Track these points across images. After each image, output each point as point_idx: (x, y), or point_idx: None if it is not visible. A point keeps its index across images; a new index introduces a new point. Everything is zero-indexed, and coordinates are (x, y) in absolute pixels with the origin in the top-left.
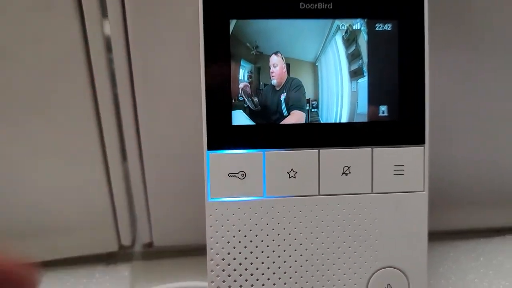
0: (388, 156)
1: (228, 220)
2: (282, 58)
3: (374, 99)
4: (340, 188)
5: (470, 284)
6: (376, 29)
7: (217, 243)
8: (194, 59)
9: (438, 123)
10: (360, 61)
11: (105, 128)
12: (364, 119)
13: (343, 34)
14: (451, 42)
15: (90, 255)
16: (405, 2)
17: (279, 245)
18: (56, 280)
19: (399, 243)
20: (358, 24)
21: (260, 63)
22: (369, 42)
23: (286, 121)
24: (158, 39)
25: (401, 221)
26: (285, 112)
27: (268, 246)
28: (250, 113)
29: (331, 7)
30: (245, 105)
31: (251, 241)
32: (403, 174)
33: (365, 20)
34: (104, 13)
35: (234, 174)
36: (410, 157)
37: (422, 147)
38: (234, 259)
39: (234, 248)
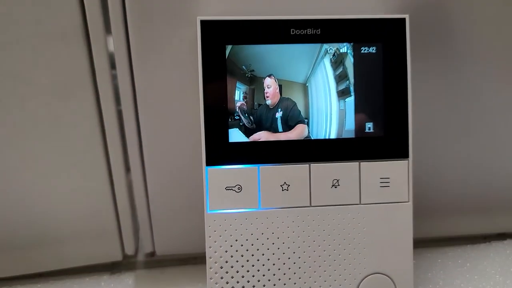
0: (374, 169)
1: (225, 230)
2: (275, 80)
3: (360, 117)
4: (330, 199)
5: None
6: (362, 51)
7: (215, 252)
8: (194, 77)
9: (422, 135)
10: (347, 82)
11: (110, 142)
12: (352, 135)
13: (331, 57)
14: (431, 58)
15: (96, 265)
16: (388, 27)
17: (273, 253)
18: None
19: (386, 251)
20: (344, 48)
21: (254, 84)
22: (355, 64)
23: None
24: (160, 58)
25: (388, 230)
26: (280, 128)
27: (263, 254)
28: (246, 131)
29: (319, 32)
30: (241, 124)
31: (247, 250)
32: (389, 186)
33: (351, 44)
34: (107, 30)
35: (231, 188)
36: (395, 170)
37: (406, 161)
38: (232, 267)
39: (231, 256)
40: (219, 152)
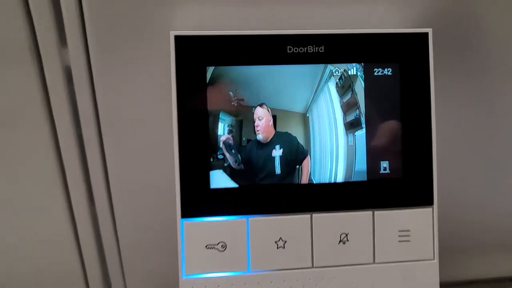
0: (391, 220)
1: None
2: (268, 110)
3: (374, 154)
4: (337, 258)
5: None
6: (375, 74)
7: None
8: (169, 102)
9: (441, 175)
10: (357, 111)
11: (69, 174)
12: (363, 177)
13: (337, 80)
14: (456, 81)
15: None
16: (406, 43)
17: None
18: None
19: None
20: (354, 69)
21: (242, 115)
22: (367, 89)
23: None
24: (127, 79)
25: None
26: (278, 170)
27: None
28: (232, 173)
29: (322, 50)
30: (226, 164)
31: None
32: (409, 241)
33: (362, 64)
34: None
35: (212, 246)
36: (417, 220)
37: (431, 209)
38: None
39: None
40: (198, 200)
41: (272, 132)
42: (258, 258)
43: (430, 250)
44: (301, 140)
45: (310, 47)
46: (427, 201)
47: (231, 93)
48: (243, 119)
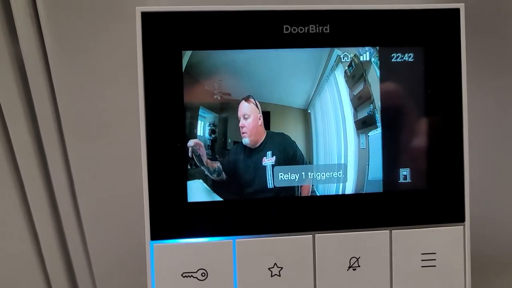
0: (413, 240)
1: None
2: (257, 106)
3: (391, 160)
4: None
5: None
6: (393, 60)
7: None
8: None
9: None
10: (371, 106)
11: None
12: (379, 188)
13: (346, 68)
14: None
15: None
16: (432, 22)
17: None
18: None
19: None
20: (366, 54)
21: (227, 111)
22: (383, 79)
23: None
24: (86, 65)
25: None
26: (270, 184)
27: None
28: (214, 184)
29: (328, 30)
30: (206, 173)
31: None
32: (435, 266)
33: (377, 48)
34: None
35: (190, 274)
36: (445, 241)
37: (462, 226)
38: None
39: None
40: (172, 217)
41: (262, 134)
42: None
43: (460, 278)
44: (300, 143)
45: (312, 27)
46: (457, 217)
47: (211, 84)
48: (228, 116)
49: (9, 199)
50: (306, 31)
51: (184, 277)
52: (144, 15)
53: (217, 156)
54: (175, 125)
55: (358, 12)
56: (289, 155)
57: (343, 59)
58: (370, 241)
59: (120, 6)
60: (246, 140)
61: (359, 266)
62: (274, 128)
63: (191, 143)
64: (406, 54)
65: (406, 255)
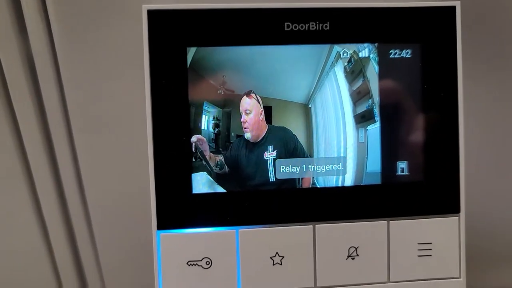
0: (410, 231)
1: None
2: (259, 101)
3: (389, 153)
4: (345, 277)
5: None
6: (391, 56)
7: None
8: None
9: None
10: (370, 101)
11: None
12: (377, 180)
13: (345, 64)
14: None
15: None
16: (429, 19)
17: None
18: None
19: None
20: (365, 51)
21: (230, 106)
22: (381, 74)
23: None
24: (94, 61)
25: None
26: (272, 177)
27: None
28: (218, 176)
29: (327, 27)
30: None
31: None
32: (430, 255)
33: (375, 44)
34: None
35: (195, 262)
36: (440, 231)
37: (457, 217)
38: None
39: None
40: (178, 208)
41: (264, 129)
42: (249, 277)
43: (455, 267)
44: (301, 136)
45: (312, 24)
46: (452, 208)
47: (215, 79)
48: (231, 111)
49: (19, 193)
50: (306, 28)
51: (189, 265)
52: (150, 13)
53: (220, 149)
54: (180, 120)
55: (357, 10)
56: (290, 149)
57: (343, 55)
58: (368, 231)
59: (127, 3)
60: (248, 135)
61: (357, 255)
62: (276, 122)
63: (194, 138)
64: (404, 51)
65: (403, 244)
